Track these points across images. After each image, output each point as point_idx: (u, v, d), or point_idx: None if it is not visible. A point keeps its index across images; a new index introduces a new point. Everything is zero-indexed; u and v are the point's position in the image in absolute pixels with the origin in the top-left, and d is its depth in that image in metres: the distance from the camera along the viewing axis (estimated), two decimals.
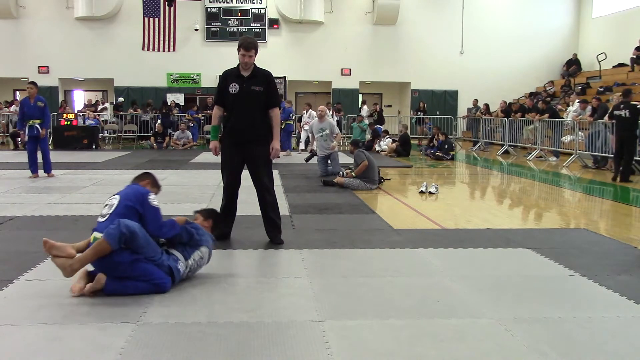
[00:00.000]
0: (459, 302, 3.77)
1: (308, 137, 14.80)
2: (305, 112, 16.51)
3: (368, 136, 17.16)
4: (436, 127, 16.92)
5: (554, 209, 7.93)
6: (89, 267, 3.85)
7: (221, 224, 4.85)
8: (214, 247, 4.35)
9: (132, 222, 3.73)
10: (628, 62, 19.18)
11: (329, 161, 10.56)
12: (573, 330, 3.33)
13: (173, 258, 3.99)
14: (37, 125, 9.87)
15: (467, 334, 3.25)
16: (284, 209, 6.72)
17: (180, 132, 17.79)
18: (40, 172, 10.02)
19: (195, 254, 4.09)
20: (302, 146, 15.88)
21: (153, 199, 4.03)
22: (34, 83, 10.24)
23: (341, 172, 9.81)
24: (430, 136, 16.88)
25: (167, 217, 4.19)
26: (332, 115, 19.01)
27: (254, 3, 22.45)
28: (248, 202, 6.14)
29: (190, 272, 4.09)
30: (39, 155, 10.01)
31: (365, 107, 20.53)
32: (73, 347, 3.01)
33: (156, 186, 4.40)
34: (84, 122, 18.56)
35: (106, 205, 3.99)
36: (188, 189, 8.83)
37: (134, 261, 3.75)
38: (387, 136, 17.07)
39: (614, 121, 11.14)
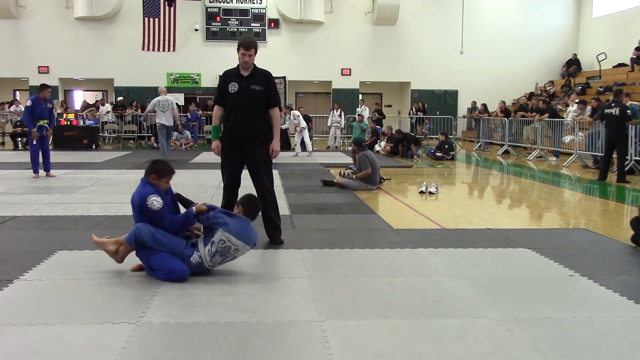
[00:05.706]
0: (459, 302, 3.77)
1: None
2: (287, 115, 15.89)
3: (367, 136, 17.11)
4: (398, 131, 16.16)
5: (554, 209, 7.93)
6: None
7: (252, 207, 4.40)
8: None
9: (143, 231, 4.10)
10: (628, 62, 19.18)
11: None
12: (573, 330, 3.33)
13: (191, 250, 4.15)
14: (46, 126, 10.11)
15: (467, 334, 3.25)
16: (284, 209, 6.72)
17: (179, 133, 17.76)
18: (40, 171, 10.04)
19: (215, 237, 4.09)
20: (298, 149, 15.50)
21: (152, 202, 4.14)
22: (47, 85, 10.41)
23: (341, 172, 9.88)
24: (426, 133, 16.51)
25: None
26: (341, 114, 18.92)
27: (254, 3, 22.44)
28: None
29: (221, 258, 4.14)
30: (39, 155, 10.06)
31: (366, 107, 19.73)
32: (73, 347, 3.01)
33: (161, 175, 4.31)
34: (84, 122, 18.55)
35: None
36: (188, 188, 8.78)
37: (151, 254, 4.13)
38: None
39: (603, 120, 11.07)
